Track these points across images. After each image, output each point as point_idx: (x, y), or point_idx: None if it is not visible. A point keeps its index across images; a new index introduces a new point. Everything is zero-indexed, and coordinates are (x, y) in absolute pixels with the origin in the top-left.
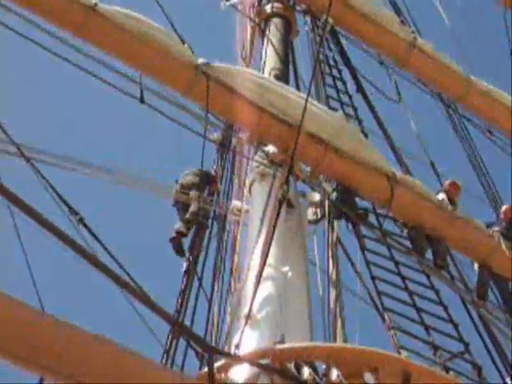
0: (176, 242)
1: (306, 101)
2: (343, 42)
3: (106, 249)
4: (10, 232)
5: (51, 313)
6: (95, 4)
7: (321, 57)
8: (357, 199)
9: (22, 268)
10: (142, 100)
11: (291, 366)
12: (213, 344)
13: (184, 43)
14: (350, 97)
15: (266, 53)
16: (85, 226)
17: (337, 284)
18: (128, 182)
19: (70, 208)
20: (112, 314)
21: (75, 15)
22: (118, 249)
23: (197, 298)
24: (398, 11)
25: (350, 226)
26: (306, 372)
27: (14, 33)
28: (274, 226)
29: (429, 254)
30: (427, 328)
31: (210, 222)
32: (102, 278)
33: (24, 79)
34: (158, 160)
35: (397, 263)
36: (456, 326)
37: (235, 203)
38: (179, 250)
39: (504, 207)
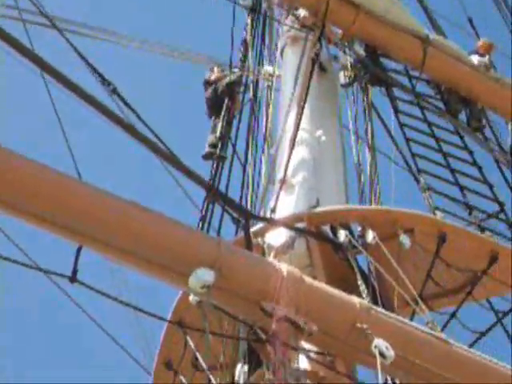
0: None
1: None
2: None
3: (139, 117)
4: (45, 102)
5: (88, 180)
6: None
7: None
8: (389, 61)
9: (59, 138)
10: None
11: (327, 229)
12: (249, 209)
13: None
14: None
15: None
16: (118, 95)
17: (371, 147)
18: (160, 51)
19: (103, 78)
20: (148, 181)
21: None
22: (152, 119)
23: (231, 164)
24: None
25: (383, 89)
26: (342, 234)
27: None
28: (308, 88)
29: (463, 117)
30: (462, 189)
31: (241, 87)
32: (138, 147)
33: None
34: (189, 28)
35: (430, 125)
36: (491, 187)
37: (267, 68)
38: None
39: None
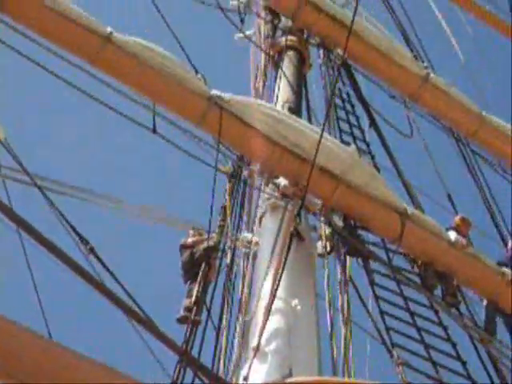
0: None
1: (321, 136)
2: (356, 75)
3: (115, 278)
4: (20, 258)
5: (58, 340)
6: (110, 33)
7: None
8: (367, 233)
9: (31, 294)
10: (154, 130)
11: None
12: (221, 375)
13: (198, 74)
14: (363, 131)
15: (279, 85)
16: (95, 255)
17: (346, 319)
18: (138, 213)
19: (81, 237)
20: (119, 343)
21: (90, 44)
22: (127, 278)
23: (205, 329)
24: (410, 46)
25: (360, 261)
26: None
27: (27, 59)
28: (285, 260)
29: (439, 290)
30: (435, 364)
31: (219, 253)
32: (111, 307)
33: (35, 107)
34: (168, 190)
35: (406, 299)
36: (464, 363)
37: (245, 235)
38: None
39: (510, 242)
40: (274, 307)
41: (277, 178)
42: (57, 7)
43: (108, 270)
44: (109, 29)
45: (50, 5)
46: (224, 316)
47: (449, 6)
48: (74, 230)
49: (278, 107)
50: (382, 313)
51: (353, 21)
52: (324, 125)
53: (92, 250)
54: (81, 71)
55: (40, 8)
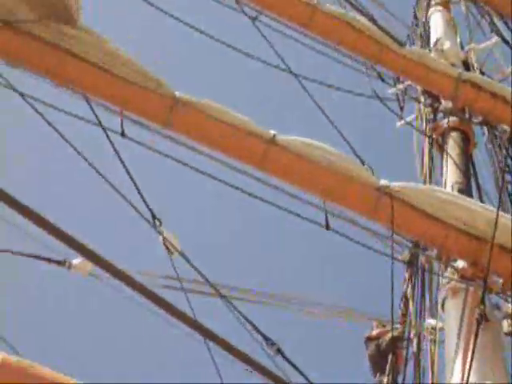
0: None
1: (497, 214)
2: None
3: (306, 378)
4: (209, 368)
5: None
6: (274, 135)
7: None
8: None
9: None
10: (327, 227)
11: None
12: None
13: (364, 165)
14: None
15: (446, 168)
16: (283, 356)
17: None
18: (319, 311)
19: (267, 339)
20: None
21: (256, 148)
22: (315, 375)
23: None
24: None
25: None
26: None
27: (189, 168)
28: (474, 348)
29: None
30: None
31: (405, 342)
32: None
33: (204, 214)
34: (347, 286)
35: None
36: None
37: (429, 321)
38: None
39: None
40: None
41: (454, 260)
42: (221, 116)
43: (298, 370)
44: (272, 131)
45: (215, 115)
46: None
47: None
48: (259, 332)
49: (448, 189)
50: None
51: None
52: (500, 202)
53: (279, 351)
54: (246, 175)
55: (205, 119)
